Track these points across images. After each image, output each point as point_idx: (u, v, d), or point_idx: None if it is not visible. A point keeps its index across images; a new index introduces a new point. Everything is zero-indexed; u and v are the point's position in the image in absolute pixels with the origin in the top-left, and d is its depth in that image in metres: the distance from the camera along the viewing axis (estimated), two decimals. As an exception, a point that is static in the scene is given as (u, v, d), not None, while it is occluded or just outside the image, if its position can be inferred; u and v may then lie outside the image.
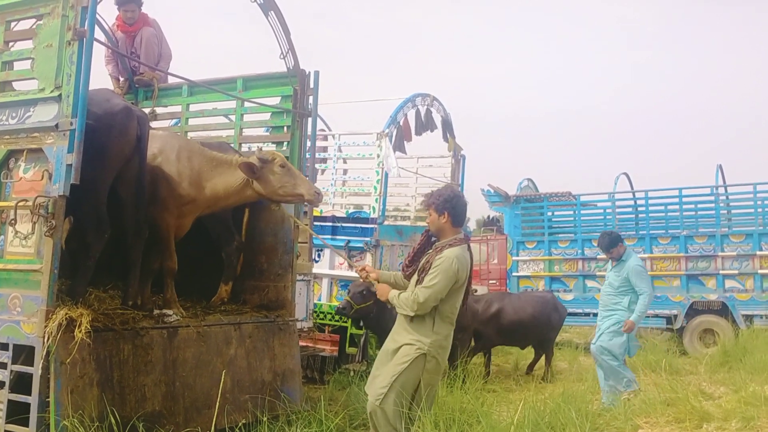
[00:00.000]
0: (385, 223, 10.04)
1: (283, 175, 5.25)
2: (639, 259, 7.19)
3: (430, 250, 4.63)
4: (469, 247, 4.65)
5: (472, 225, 32.99)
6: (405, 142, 10.54)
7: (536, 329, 9.16)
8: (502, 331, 8.94)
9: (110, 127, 4.61)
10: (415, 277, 4.61)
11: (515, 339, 9.33)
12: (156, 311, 5.03)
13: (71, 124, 4.14)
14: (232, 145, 6.38)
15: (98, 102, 4.64)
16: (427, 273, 4.44)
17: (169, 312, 5.05)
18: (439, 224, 4.64)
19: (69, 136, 4.14)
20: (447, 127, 11.25)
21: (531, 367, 9.57)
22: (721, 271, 11.59)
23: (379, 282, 4.85)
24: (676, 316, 11.61)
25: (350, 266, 7.56)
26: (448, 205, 4.63)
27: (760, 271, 11.28)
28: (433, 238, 4.76)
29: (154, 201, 5.16)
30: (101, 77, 7.00)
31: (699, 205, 12.88)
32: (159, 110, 7.05)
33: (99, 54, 6.84)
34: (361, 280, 5.04)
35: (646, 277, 6.99)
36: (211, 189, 5.31)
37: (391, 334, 4.69)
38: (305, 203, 5.79)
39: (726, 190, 13.33)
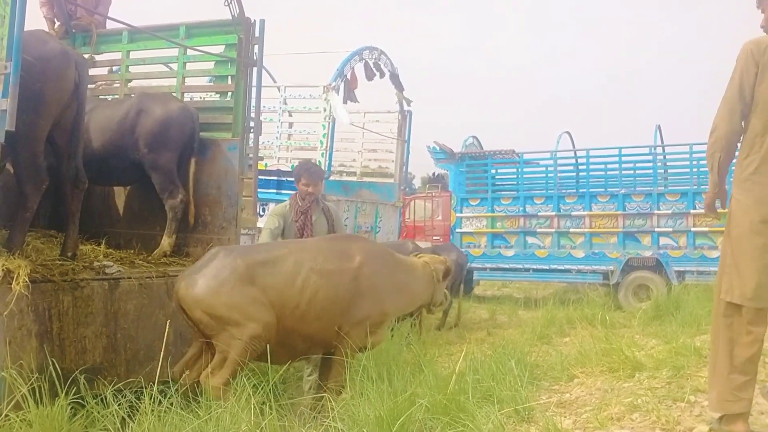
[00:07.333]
0: (331, 178, 10.00)
1: (443, 286, 5.16)
2: None
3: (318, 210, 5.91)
4: None
5: (417, 182, 33.17)
6: (353, 90, 10.44)
7: None
8: None
9: (46, 73, 4.42)
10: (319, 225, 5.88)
11: None
12: (96, 263, 4.94)
13: (5, 68, 3.96)
14: (175, 94, 6.23)
15: (33, 45, 4.41)
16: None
17: (110, 263, 4.97)
18: (322, 190, 6.30)
19: (4, 81, 3.96)
20: (394, 80, 11.20)
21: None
22: (656, 229, 11.93)
23: None
24: (612, 271, 11.96)
25: None
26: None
27: (693, 229, 11.64)
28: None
29: (350, 315, 4.58)
30: (37, 20, 6.71)
31: (637, 165, 13.20)
32: (98, 57, 6.81)
33: (34, -5, 6.57)
34: None
35: None
36: (412, 297, 5.01)
37: None
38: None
39: (664, 150, 13.64)
